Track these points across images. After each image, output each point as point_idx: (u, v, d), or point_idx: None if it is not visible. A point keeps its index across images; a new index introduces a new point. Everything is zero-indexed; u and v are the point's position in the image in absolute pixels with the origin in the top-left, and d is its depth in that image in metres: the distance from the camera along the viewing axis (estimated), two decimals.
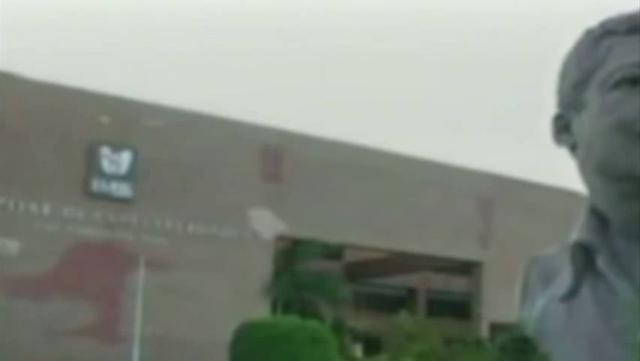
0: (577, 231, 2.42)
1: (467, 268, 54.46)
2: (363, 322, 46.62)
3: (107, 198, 42.56)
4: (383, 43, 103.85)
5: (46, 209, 41.00)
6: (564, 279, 2.42)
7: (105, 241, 41.95)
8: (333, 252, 46.33)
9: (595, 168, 2.37)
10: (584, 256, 2.37)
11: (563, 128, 2.51)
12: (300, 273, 43.76)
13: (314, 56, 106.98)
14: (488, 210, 53.59)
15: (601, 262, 2.33)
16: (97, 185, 42.57)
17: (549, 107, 2.52)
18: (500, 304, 41.45)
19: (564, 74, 2.51)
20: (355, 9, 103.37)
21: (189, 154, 43.82)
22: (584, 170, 2.43)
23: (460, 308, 53.62)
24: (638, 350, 2.14)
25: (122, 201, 42.93)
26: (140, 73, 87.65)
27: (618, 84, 2.33)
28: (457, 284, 56.72)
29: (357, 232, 47.95)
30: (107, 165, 42.83)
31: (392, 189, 49.54)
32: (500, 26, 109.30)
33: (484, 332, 48.39)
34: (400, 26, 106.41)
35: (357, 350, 46.02)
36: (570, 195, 39.66)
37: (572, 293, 2.38)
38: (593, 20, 2.44)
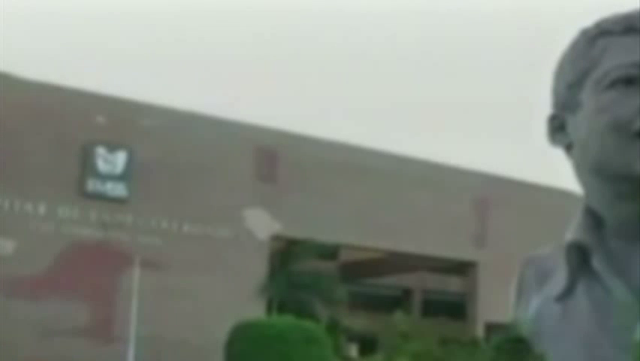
0: (572, 231, 2.42)
1: (462, 269, 54.55)
2: (359, 322, 46.68)
3: (102, 198, 42.57)
4: (379, 43, 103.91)
5: (42, 209, 40.99)
6: (559, 279, 2.43)
7: (100, 241, 41.96)
8: (329, 252, 46.38)
9: (590, 168, 2.38)
10: (579, 256, 2.38)
11: (558, 128, 2.51)
12: (296, 273, 43.81)
13: (310, 57, 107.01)
14: (483, 211, 53.67)
15: (596, 262, 2.33)
16: (92, 185, 42.58)
17: (544, 107, 2.52)
18: (495, 304, 41.56)
19: (559, 74, 2.51)
20: (352, 10, 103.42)
21: (185, 154, 43.84)
22: (580, 170, 2.44)
23: (456, 308, 53.69)
24: (634, 351, 2.14)
25: (118, 201, 42.94)
26: (136, 73, 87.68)
27: (613, 84, 2.33)
28: (453, 284, 56.80)
29: (352, 232, 48.01)
30: (102, 165, 42.84)
31: (387, 190, 49.60)
32: (496, 27, 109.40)
33: (480, 332, 48.46)
34: (395, 27, 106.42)
35: (353, 350, 46.09)
36: (565, 195, 39.74)
37: (566, 293, 2.38)
38: (589, 20, 2.45)
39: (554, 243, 2.49)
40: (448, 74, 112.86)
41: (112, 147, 42.82)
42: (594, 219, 2.38)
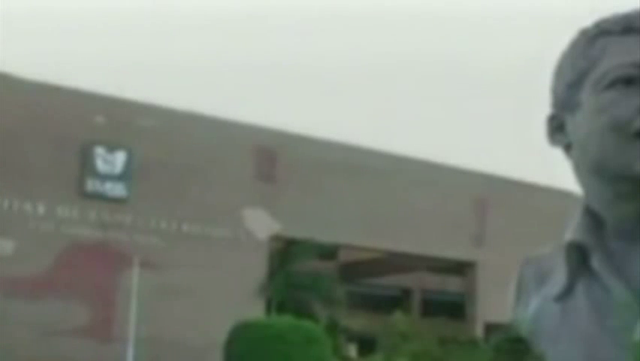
0: (571, 231, 2.41)
1: (461, 268, 54.52)
2: (358, 322, 46.66)
3: (101, 198, 42.55)
4: (377, 44, 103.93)
5: (41, 209, 40.98)
6: (558, 279, 2.42)
7: (99, 241, 41.94)
8: (328, 252, 46.37)
9: (589, 168, 2.37)
10: (578, 256, 2.37)
11: (557, 128, 2.50)
12: (295, 273, 43.81)
13: (308, 57, 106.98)
14: (482, 211, 53.64)
15: (595, 262, 2.33)
16: (91, 185, 42.57)
17: (544, 107, 2.52)
18: (494, 304, 41.56)
19: (559, 74, 2.50)
20: (350, 11, 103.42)
21: (184, 154, 43.82)
22: (579, 170, 2.43)
23: (455, 308, 53.65)
24: (633, 351, 2.14)
25: (117, 201, 42.93)
26: (135, 73, 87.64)
27: (612, 84, 2.33)
28: (452, 284, 56.75)
29: (351, 232, 47.99)
30: (101, 165, 42.83)
31: (386, 189, 49.57)
32: (496, 27, 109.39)
33: (479, 332, 48.45)
34: (394, 27, 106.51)
35: (352, 350, 46.08)
36: (564, 195, 39.73)
37: (566, 293, 2.38)
38: (589, 21, 2.44)
39: (554, 243, 2.48)
40: (447, 74, 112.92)
41: (111, 147, 42.79)
42: (594, 220, 2.38)
